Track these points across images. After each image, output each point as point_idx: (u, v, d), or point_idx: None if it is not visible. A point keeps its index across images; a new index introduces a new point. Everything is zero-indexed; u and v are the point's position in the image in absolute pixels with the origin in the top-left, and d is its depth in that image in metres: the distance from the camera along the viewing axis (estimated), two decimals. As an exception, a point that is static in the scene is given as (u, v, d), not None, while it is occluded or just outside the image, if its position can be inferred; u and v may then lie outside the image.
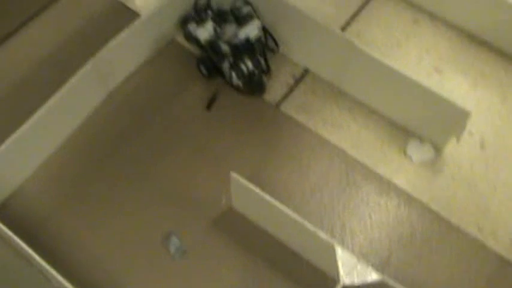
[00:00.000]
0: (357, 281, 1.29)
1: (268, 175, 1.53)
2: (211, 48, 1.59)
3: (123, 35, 1.56)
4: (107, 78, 1.60)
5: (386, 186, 1.53)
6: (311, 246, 1.38)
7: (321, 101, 1.64)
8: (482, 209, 1.50)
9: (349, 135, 1.60)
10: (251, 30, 1.58)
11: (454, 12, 1.75)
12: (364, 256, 1.43)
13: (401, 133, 1.60)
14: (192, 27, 1.62)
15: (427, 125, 1.57)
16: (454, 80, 1.69)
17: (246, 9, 1.63)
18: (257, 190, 1.34)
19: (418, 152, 1.58)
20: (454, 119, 1.49)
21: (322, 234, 1.29)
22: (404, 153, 1.58)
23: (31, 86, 1.64)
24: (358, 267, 1.29)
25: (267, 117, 1.62)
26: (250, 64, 1.57)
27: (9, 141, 1.40)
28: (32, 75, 1.66)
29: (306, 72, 1.69)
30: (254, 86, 1.60)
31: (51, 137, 1.55)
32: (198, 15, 1.64)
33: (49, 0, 1.77)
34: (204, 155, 1.56)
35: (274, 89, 1.65)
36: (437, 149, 1.58)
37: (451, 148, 1.58)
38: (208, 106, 1.61)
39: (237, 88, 1.61)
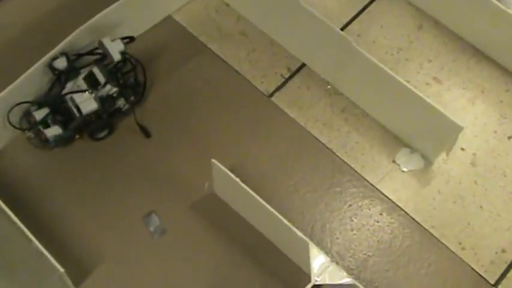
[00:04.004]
0: (328, 281, 1.40)
1: (254, 166, 1.63)
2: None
3: (116, 5, 1.66)
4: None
5: (371, 191, 1.63)
6: (287, 242, 1.48)
7: (315, 98, 1.74)
8: (465, 225, 1.61)
9: (339, 136, 1.70)
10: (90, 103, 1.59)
11: (460, 23, 1.85)
12: (341, 257, 1.54)
13: (393, 140, 1.70)
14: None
15: (419, 135, 1.67)
16: (453, 93, 1.79)
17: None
18: (237, 180, 1.44)
19: (407, 162, 1.68)
20: (446, 133, 1.59)
21: (298, 232, 1.39)
22: (394, 161, 1.68)
23: (21, 48, 1.74)
24: (330, 268, 1.40)
25: (258, 107, 1.72)
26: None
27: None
28: (23, 38, 1.77)
29: (302, 66, 1.79)
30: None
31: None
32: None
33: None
34: (192, 139, 1.67)
35: (268, 79, 1.75)
36: (428, 161, 1.68)
37: (441, 161, 1.68)
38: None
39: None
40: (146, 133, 1.65)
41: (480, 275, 1.55)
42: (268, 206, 1.40)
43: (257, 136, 1.69)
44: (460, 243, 1.59)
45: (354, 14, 1.89)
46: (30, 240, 1.38)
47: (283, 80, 1.77)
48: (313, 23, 1.67)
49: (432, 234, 1.59)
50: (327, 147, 1.68)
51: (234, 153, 1.65)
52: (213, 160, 1.44)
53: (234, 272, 1.51)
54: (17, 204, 1.44)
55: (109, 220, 1.55)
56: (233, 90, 1.75)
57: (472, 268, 1.56)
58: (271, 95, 1.74)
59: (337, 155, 1.67)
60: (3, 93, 1.54)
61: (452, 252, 1.57)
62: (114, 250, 1.51)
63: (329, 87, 1.76)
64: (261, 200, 1.40)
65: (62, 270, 1.34)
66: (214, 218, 1.56)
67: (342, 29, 1.84)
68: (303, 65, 1.79)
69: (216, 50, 1.79)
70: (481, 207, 1.64)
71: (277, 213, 1.39)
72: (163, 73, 1.75)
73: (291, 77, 1.77)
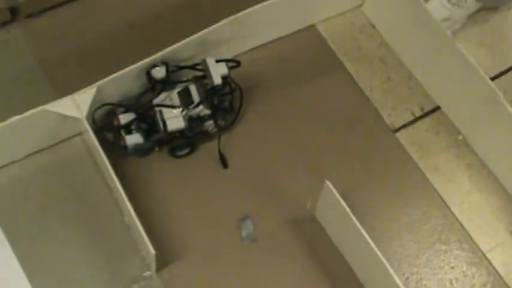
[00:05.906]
0: None
1: (362, 198, 1.56)
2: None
3: (268, 4, 1.62)
4: (238, 40, 1.67)
5: (479, 258, 1.53)
6: (378, 285, 1.41)
7: (441, 145, 1.66)
8: None
9: (458, 192, 1.61)
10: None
11: None
12: (432, 319, 1.45)
13: (515, 210, 1.61)
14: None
15: (545, 212, 1.57)
16: None
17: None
18: (347, 208, 1.37)
19: (526, 237, 1.58)
20: None
21: (397, 279, 1.31)
22: (511, 232, 1.58)
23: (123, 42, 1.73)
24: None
25: (380, 140, 1.66)
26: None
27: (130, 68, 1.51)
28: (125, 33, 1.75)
29: (436, 109, 1.71)
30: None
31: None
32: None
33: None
34: (306, 155, 1.62)
35: (397, 113, 1.68)
36: (547, 242, 1.58)
37: (561, 247, 1.57)
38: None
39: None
40: (224, 163, 1.59)
41: None
42: (372, 244, 1.32)
43: (372, 168, 1.62)
44: None
45: (504, 69, 1.80)
46: (124, 215, 1.36)
47: (413, 118, 1.69)
48: (462, 67, 1.58)
49: (533, 323, 1.48)
50: (443, 200, 1.59)
51: (343, 179, 1.56)
52: (327, 181, 1.38)
53: (313, 299, 1.46)
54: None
55: (204, 215, 1.52)
56: (358, 115, 1.69)
57: None
58: (397, 130, 1.67)
59: (451, 211, 1.58)
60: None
61: None
62: (201, 246, 1.48)
63: (460, 137, 1.67)
64: (366, 235, 1.32)
65: (153, 252, 1.32)
66: (307, 239, 1.51)
67: (487, 81, 1.76)
68: (438, 108, 1.71)
69: (351, 70, 1.73)
70: None
71: (379, 254, 1.31)
72: (292, 79, 1.72)
73: (422, 116, 1.70)
